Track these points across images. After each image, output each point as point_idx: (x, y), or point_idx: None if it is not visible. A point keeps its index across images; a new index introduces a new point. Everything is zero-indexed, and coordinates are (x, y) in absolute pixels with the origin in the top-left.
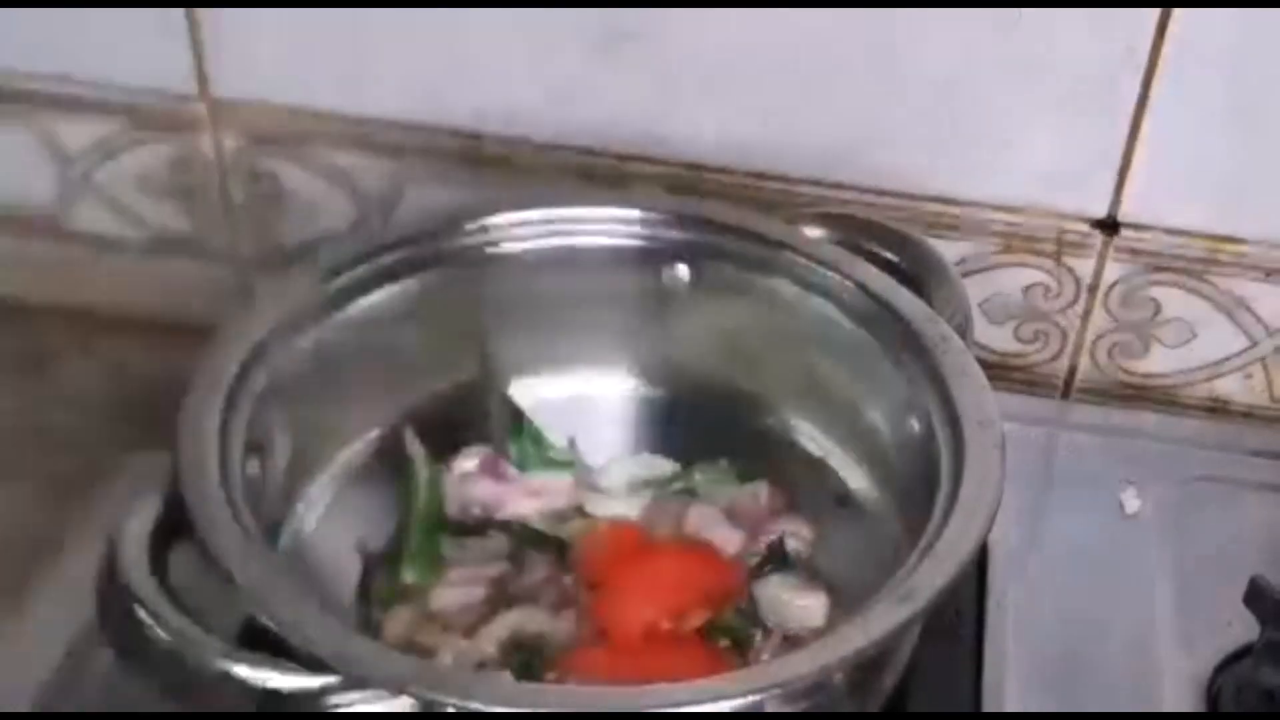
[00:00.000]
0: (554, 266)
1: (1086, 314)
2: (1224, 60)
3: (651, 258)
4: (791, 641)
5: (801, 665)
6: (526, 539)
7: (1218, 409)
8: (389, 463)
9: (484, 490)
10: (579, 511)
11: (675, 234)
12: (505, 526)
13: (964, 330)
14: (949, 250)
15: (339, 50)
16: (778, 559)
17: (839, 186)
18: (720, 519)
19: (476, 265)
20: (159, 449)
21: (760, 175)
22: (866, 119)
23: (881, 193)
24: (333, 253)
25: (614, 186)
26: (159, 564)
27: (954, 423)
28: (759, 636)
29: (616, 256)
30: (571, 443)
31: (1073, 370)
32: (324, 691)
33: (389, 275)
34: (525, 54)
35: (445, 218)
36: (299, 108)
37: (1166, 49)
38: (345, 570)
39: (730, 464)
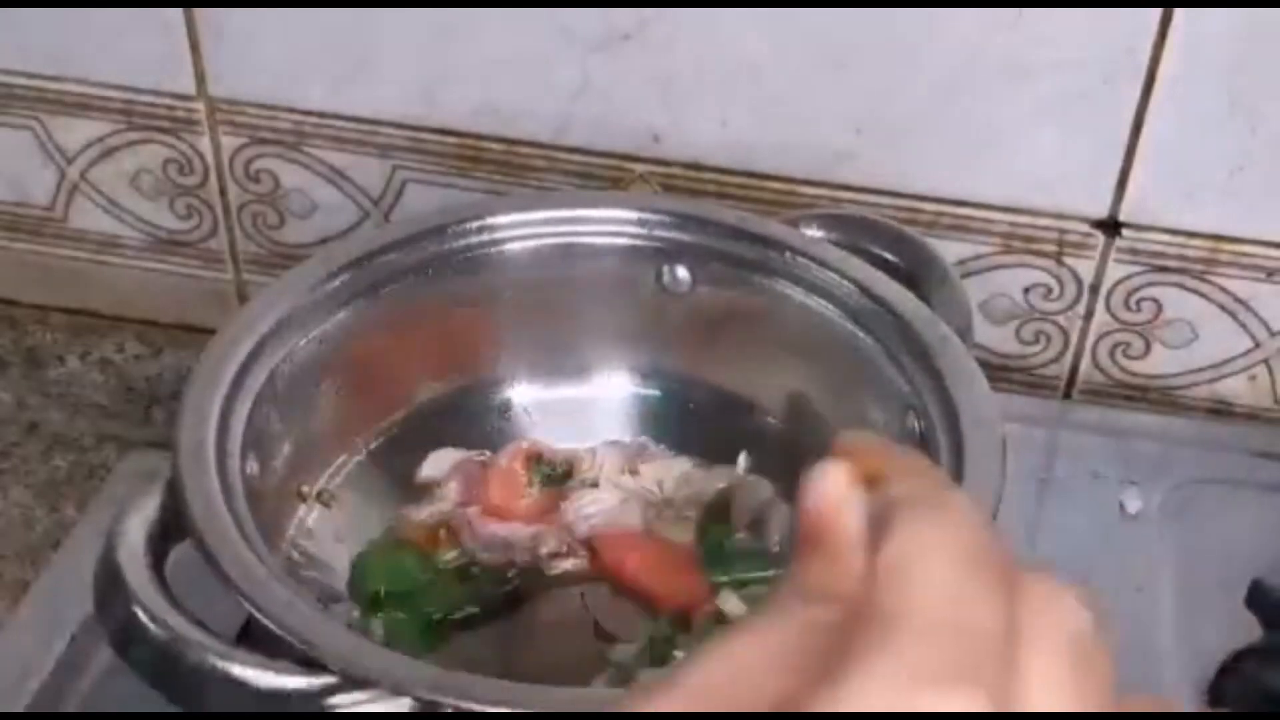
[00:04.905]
0: (554, 267)
1: (1088, 315)
2: (1224, 60)
3: (651, 258)
4: None
5: None
6: None
7: (1220, 410)
8: (388, 462)
9: None
10: None
11: (675, 234)
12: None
13: (964, 331)
14: (949, 250)
15: (338, 50)
16: None
17: (839, 186)
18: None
19: (476, 265)
20: (158, 449)
21: (760, 175)
22: (867, 119)
23: (881, 193)
24: (332, 253)
25: (614, 186)
26: (158, 564)
27: (954, 423)
28: None
29: (616, 257)
30: None
31: (1074, 371)
32: (323, 692)
33: (389, 275)
34: (525, 54)
35: (446, 217)
36: (298, 108)
37: (1167, 49)
38: (343, 570)
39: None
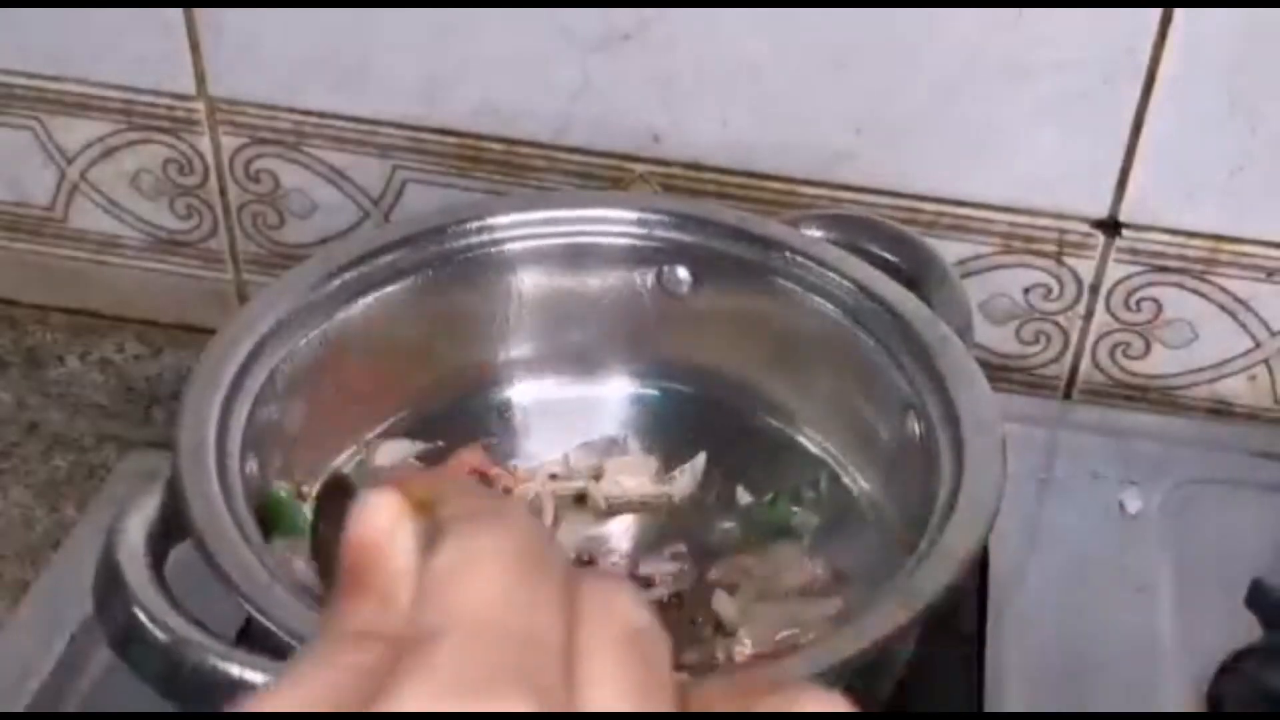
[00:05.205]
0: (554, 266)
1: (1088, 315)
2: (1224, 60)
3: (651, 258)
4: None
5: (800, 669)
6: None
7: (1220, 410)
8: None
9: None
10: None
11: (675, 234)
12: None
13: (964, 331)
14: (949, 250)
15: (338, 50)
16: None
17: (839, 186)
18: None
19: (476, 265)
20: (158, 449)
21: (760, 175)
22: (867, 119)
23: (881, 193)
24: (332, 253)
25: (614, 186)
26: (158, 564)
27: (954, 423)
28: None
29: (617, 256)
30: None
31: (1074, 371)
32: None
33: (389, 275)
34: (525, 54)
35: (445, 218)
36: (298, 108)
37: (1167, 49)
38: None
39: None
